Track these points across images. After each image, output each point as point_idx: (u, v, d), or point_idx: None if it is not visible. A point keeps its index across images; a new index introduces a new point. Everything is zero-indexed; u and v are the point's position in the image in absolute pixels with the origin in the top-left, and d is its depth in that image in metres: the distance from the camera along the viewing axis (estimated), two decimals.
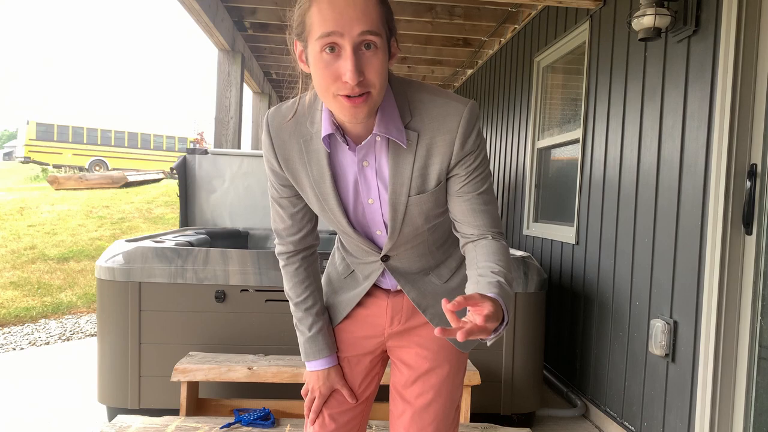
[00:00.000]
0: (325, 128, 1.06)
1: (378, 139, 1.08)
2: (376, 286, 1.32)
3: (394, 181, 1.10)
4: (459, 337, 0.81)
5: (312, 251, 1.33)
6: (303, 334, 1.31)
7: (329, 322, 1.34)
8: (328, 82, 0.95)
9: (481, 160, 1.10)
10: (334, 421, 1.31)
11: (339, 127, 1.07)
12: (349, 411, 1.33)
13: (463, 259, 1.31)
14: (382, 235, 1.21)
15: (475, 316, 0.87)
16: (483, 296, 0.89)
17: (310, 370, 1.32)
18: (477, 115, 1.08)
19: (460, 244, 1.19)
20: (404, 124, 1.06)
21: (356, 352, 1.34)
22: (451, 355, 1.29)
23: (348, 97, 0.95)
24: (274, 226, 1.30)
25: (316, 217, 1.28)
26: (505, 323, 0.95)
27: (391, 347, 1.33)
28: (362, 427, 1.38)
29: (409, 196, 1.11)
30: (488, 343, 0.96)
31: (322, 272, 1.41)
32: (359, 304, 1.32)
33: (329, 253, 1.50)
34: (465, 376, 2.57)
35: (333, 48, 0.93)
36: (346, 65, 0.92)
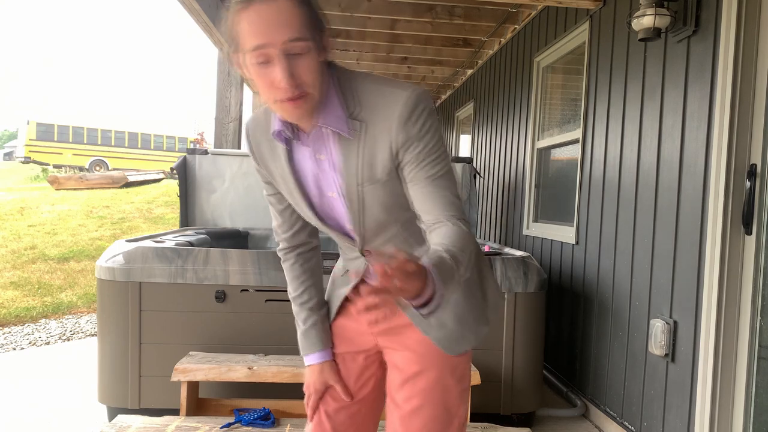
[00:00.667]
0: (275, 125, 1.14)
1: (326, 131, 1.11)
2: (365, 283, 1.32)
3: (345, 171, 1.13)
4: (377, 270, 0.80)
5: (308, 248, 1.37)
6: (299, 328, 1.35)
7: (326, 318, 1.36)
8: (266, 90, 1.03)
9: (428, 145, 1.08)
10: (330, 418, 1.31)
11: (291, 124, 1.13)
12: (345, 409, 1.32)
13: None
14: (352, 230, 1.23)
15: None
16: (410, 259, 0.85)
17: (307, 364, 1.34)
18: (420, 100, 1.07)
19: (426, 236, 1.16)
20: (351, 114, 1.09)
21: (350, 349, 1.34)
22: (439, 358, 1.24)
23: (288, 100, 1.02)
24: (272, 224, 1.36)
25: None
26: (438, 295, 0.90)
27: (383, 348, 1.33)
28: (367, 429, 1.36)
29: (360, 186, 1.13)
30: (426, 316, 0.93)
31: (327, 272, 1.42)
32: (351, 302, 1.34)
33: (331, 253, 1.53)
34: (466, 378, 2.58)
35: (265, 58, 0.99)
36: (278, 73, 0.99)
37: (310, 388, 1.33)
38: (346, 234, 1.24)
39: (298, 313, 1.35)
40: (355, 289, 1.32)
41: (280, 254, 1.37)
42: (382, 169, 1.11)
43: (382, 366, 1.37)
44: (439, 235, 1.07)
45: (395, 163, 1.11)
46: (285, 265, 1.37)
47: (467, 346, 1.26)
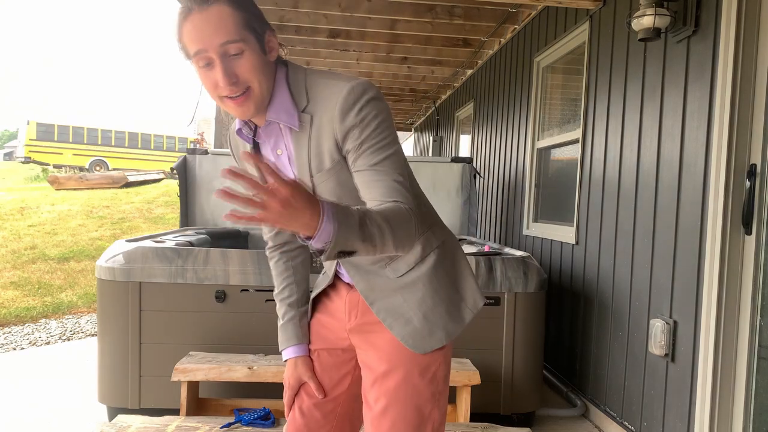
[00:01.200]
0: (237, 124, 1.22)
1: (279, 127, 1.18)
2: (340, 279, 1.35)
3: (297, 162, 1.18)
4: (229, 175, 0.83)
5: (293, 247, 1.42)
6: (279, 323, 1.41)
7: (304, 315, 1.40)
8: (212, 90, 1.10)
9: (369, 133, 1.09)
10: (303, 415, 1.32)
11: (248, 123, 1.21)
12: (319, 407, 1.32)
13: (424, 255, 1.25)
14: None
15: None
16: (305, 189, 0.88)
17: (284, 359, 1.37)
18: (362, 92, 1.09)
19: None
20: (301, 108, 1.14)
21: (326, 346, 1.36)
22: (407, 358, 1.21)
23: (231, 98, 1.08)
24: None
25: None
26: (327, 232, 0.88)
27: (356, 346, 1.32)
28: (345, 430, 1.35)
29: (311, 176, 1.17)
30: (321, 260, 0.92)
31: (317, 271, 1.47)
32: (328, 297, 1.38)
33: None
34: (465, 377, 2.58)
35: (207, 61, 1.07)
36: (217, 74, 1.06)
37: (286, 382, 1.36)
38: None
39: (278, 308, 1.41)
40: (332, 285, 1.36)
41: (266, 252, 1.43)
42: (329, 159, 1.15)
43: (359, 367, 1.36)
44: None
45: (340, 153, 1.14)
46: (270, 263, 1.42)
47: (436, 344, 1.22)
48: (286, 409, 1.36)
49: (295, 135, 1.16)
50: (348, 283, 1.32)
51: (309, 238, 0.90)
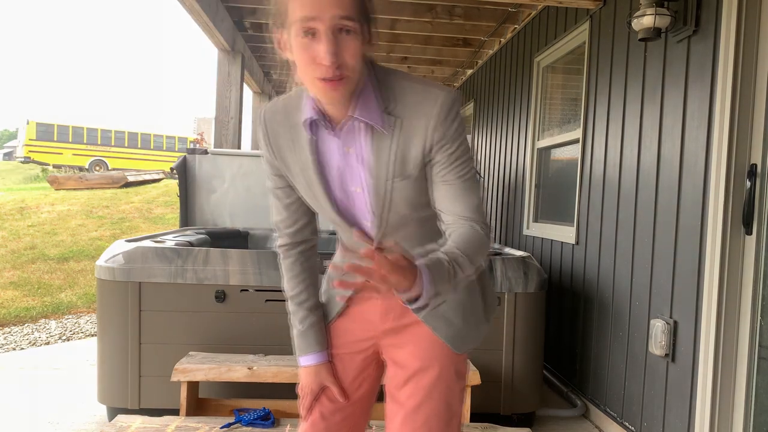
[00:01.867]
0: (308, 113, 1.11)
1: (358, 124, 1.10)
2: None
3: (376, 166, 1.12)
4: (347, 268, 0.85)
5: (309, 246, 1.34)
6: (295, 328, 1.33)
7: (322, 319, 1.35)
8: (306, 65, 1.00)
9: (459, 146, 1.10)
10: (324, 419, 1.30)
11: (322, 113, 1.11)
12: (340, 410, 1.31)
13: None
14: (370, 226, 1.21)
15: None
16: (400, 248, 0.90)
17: (302, 365, 1.32)
18: (455, 102, 1.09)
19: (445, 235, 1.18)
20: (385, 109, 1.09)
21: (349, 350, 1.33)
22: (443, 355, 1.25)
23: (324, 80, 0.99)
24: (272, 219, 1.32)
25: (312, 211, 1.29)
26: (427, 295, 0.94)
27: (384, 346, 1.32)
28: (358, 429, 1.36)
29: (390, 182, 1.13)
30: (420, 316, 0.99)
31: (322, 272, 1.40)
32: (353, 301, 1.33)
33: (330, 253, 1.50)
34: (465, 377, 2.58)
35: (310, 32, 0.97)
36: (322, 48, 0.97)
37: (305, 389, 1.32)
38: (360, 230, 1.23)
39: (295, 312, 1.33)
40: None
41: (280, 251, 1.34)
42: (413, 166, 1.12)
43: (378, 367, 1.37)
44: (455, 236, 1.10)
45: (426, 160, 1.12)
46: (285, 263, 1.33)
47: (473, 344, 1.28)
48: (303, 413, 1.32)
49: (375, 136, 1.11)
50: None
51: (412, 301, 0.95)
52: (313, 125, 1.12)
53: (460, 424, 1.29)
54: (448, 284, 0.99)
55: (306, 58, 0.99)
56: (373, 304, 1.31)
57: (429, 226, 1.24)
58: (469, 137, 1.17)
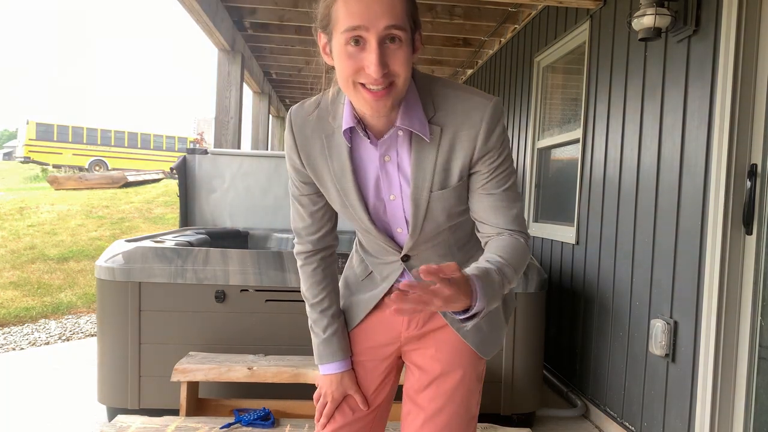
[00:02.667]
0: (347, 122, 1.08)
1: (400, 133, 1.08)
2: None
3: (417, 176, 1.10)
4: (404, 287, 0.81)
5: (330, 252, 1.32)
6: (318, 336, 1.29)
7: (344, 326, 1.32)
8: (350, 72, 0.98)
9: (504, 157, 1.10)
10: (344, 428, 1.29)
11: (360, 121, 1.08)
12: (361, 418, 1.30)
13: None
14: (402, 233, 1.20)
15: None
16: (458, 269, 0.87)
17: (324, 373, 1.29)
18: (501, 112, 1.08)
19: (482, 244, 1.17)
20: (428, 118, 1.07)
21: (371, 357, 1.31)
22: (466, 360, 1.25)
23: (370, 90, 0.97)
24: (293, 225, 1.29)
25: (336, 216, 1.28)
26: (479, 308, 0.92)
27: (407, 351, 1.31)
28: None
29: (431, 192, 1.11)
30: (467, 327, 0.97)
31: (340, 273, 1.38)
32: (376, 307, 1.30)
33: (347, 254, 1.48)
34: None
35: (358, 41, 0.96)
36: (370, 57, 0.95)
37: (327, 396, 1.29)
38: (391, 237, 1.21)
39: (317, 320, 1.29)
40: (386, 294, 1.28)
41: (300, 258, 1.30)
42: (457, 176, 1.10)
43: (398, 371, 1.36)
44: (498, 243, 1.09)
45: (470, 171, 1.11)
46: (306, 270, 1.29)
47: (498, 347, 1.29)
48: (323, 421, 1.29)
49: (417, 145, 1.08)
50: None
51: (464, 317, 0.94)
52: (348, 133, 1.09)
53: (476, 425, 1.31)
54: (498, 296, 0.98)
55: (351, 66, 0.97)
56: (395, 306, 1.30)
57: (460, 233, 1.23)
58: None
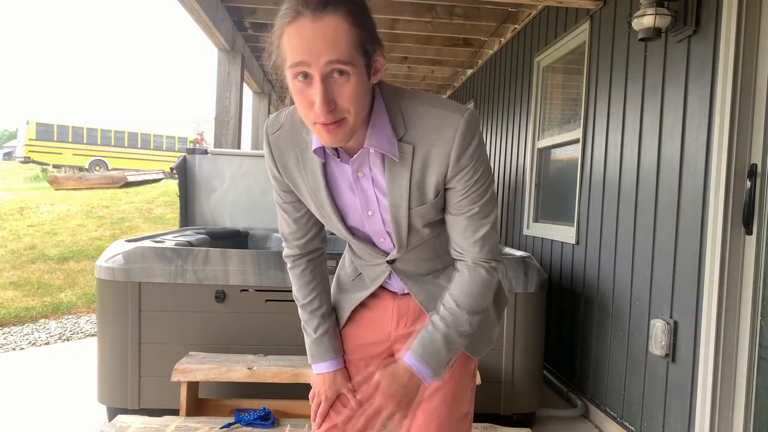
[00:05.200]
0: (316, 141, 1.07)
1: (371, 150, 1.07)
2: (383, 288, 1.31)
3: (393, 194, 1.10)
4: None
5: (318, 254, 1.33)
6: (309, 336, 1.30)
7: (336, 325, 1.33)
8: (304, 109, 0.97)
9: (480, 174, 1.07)
10: (338, 427, 1.28)
11: None
12: (355, 417, 1.30)
13: None
14: (386, 242, 1.21)
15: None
16: (383, 371, 1.07)
17: (317, 372, 1.31)
18: (476, 125, 1.05)
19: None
20: (398, 137, 1.05)
21: (363, 355, 1.33)
22: (460, 359, 1.26)
23: (323, 124, 0.96)
24: (280, 230, 1.30)
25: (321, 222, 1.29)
26: (433, 379, 1.09)
27: (397, 350, 1.32)
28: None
29: (409, 209, 1.11)
30: (438, 380, 1.15)
31: (332, 272, 1.39)
32: (365, 307, 1.32)
33: (339, 254, 1.50)
34: (475, 376, 2.58)
35: (306, 75, 0.94)
36: (315, 94, 0.93)
37: (321, 396, 1.30)
38: (374, 245, 1.23)
39: (308, 320, 1.30)
40: (373, 295, 1.31)
41: (288, 260, 1.31)
42: (433, 193, 1.09)
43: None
44: (456, 284, 1.17)
45: (444, 187, 1.10)
46: (295, 272, 1.31)
47: (488, 346, 1.30)
48: (318, 420, 1.30)
49: (390, 164, 1.07)
50: (394, 292, 1.31)
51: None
52: (320, 152, 1.09)
53: (471, 421, 1.32)
54: (448, 355, 1.12)
55: (303, 102, 0.96)
56: (385, 311, 1.31)
57: (445, 236, 1.23)
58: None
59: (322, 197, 1.14)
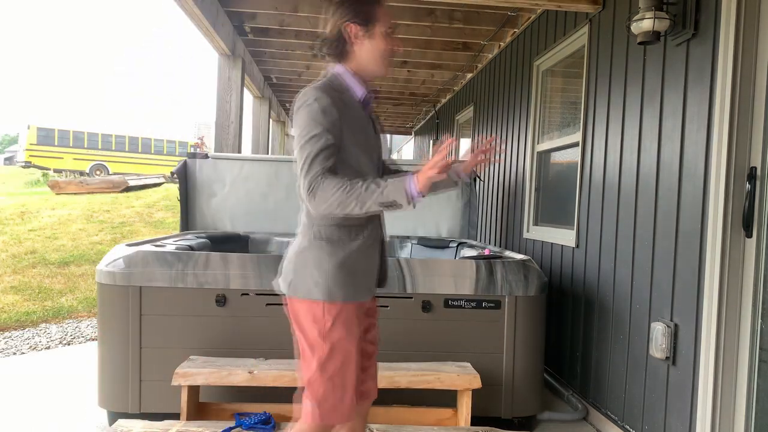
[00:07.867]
0: (360, 91, 1.68)
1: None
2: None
3: (378, 132, 1.84)
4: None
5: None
6: (383, 188, 1.49)
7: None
8: (389, 52, 1.69)
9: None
10: (369, 357, 1.80)
11: (369, 91, 1.72)
12: (373, 363, 1.84)
13: None
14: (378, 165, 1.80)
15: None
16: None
17: (417, 192, 1.50)
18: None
19: None
20: None
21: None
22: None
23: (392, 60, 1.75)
24: (310, 161, 1.54)
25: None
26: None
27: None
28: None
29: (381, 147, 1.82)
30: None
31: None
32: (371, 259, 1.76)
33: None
34: (466, 380, 2.59)
35: (391, 31, 1.68)
36: (398, 42, 1.75)
37: (441, 162, 1.48)
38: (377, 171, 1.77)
39: (369, 188, 1.49)
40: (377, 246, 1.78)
41: (316, 182, 1.52)
42: None
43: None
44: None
45: None
46: (325, 183, 1.51)
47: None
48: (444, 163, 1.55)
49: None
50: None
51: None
52: (366, 98, 1.70)
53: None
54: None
55: (389, 47, 1.68)
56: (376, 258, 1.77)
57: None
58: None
59: (369, 133, 1.71)
